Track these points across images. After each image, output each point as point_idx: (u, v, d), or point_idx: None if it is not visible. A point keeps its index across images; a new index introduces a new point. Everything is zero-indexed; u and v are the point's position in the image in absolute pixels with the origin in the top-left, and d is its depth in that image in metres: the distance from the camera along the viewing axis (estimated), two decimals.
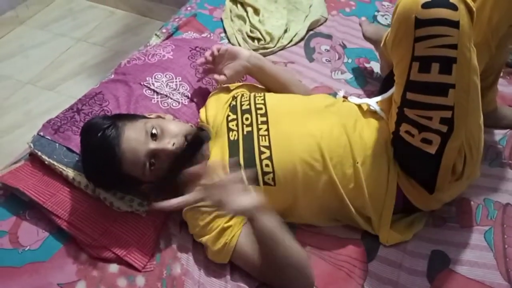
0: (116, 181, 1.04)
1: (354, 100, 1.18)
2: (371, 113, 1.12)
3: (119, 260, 1.04)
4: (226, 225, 0.99)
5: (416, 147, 0.97)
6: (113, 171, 0.99)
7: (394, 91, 1.02)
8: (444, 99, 0.90)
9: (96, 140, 0.99)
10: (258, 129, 1.07)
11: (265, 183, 1.02)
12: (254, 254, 0.98)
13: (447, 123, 0.92)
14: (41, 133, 1.19)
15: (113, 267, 1.03)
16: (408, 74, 0.92)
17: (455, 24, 0.85)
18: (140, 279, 1.01)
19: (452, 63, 0.87)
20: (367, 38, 1.53)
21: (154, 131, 1.01)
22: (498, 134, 1.32)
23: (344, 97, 1.25)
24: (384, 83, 1.27)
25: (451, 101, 0.90)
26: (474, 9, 0.88)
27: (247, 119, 1.10)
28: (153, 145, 1.00)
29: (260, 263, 0.97)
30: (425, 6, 0.85)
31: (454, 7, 0.85)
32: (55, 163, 1.12)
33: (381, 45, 1.20)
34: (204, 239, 1.01)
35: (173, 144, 1.00)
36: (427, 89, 0.91)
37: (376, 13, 1.83)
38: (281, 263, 0.94)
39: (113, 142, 0.98)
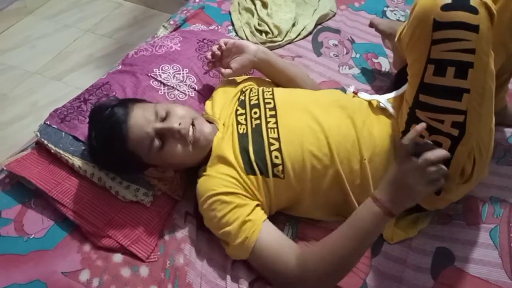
0: (120, 160, 1.03)
1: (364, 96, 1.16)
2: (381, 110, 1.10)
3: (123, 250, 1.04)
4: (246, 218, 0.97)
5: None
6: (119, 147, 0.99)
7: (406, 91, 1.00)
8: (457, 103, 0.88)
9: (104, 116, 1.00)
10: (267, 122, 1.07)
11: (274, 175, 1.02)
12: (276, 255, 0.95)
13: (458, 127, 0.91)
14: (48, 122, 1.19)
15: (117, 257, 1.03)
16: (422, 76, 0.90)
17: (474, 28, 0.82)
18: (144, 269, 1.02)
19: (468, 68, 0.85)
20: (380, 30, 1.48)
21: (162, 112, 1.02)
22: (507, 131, 1.31)
23: (354, 92, 1.22)
24: (397, 78, 1.25)
25: (465, 106, 0.89)
26: (495, 12, 0.85)
27: (255, 113, 1.09)
28: (160, 124, 1.01)
29: (282, 267, 0.94)
30: (445, 8, 0.83)
31: (474, 11, 0.82)
32: (61, 151, 1.12)
33: (395, 39, 1.18)
34: (226, 230, 0.98)
35: (180, 124, 1.01)
36: (440, 93, 0.89)
37: (385, 8, 1.82)
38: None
39: (121, 118, 0.99)
